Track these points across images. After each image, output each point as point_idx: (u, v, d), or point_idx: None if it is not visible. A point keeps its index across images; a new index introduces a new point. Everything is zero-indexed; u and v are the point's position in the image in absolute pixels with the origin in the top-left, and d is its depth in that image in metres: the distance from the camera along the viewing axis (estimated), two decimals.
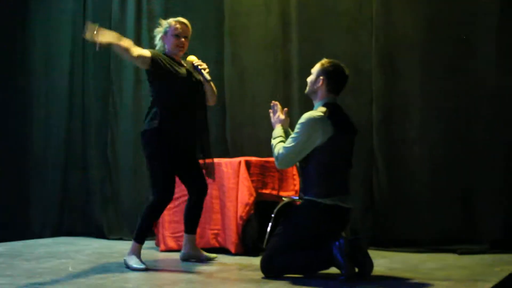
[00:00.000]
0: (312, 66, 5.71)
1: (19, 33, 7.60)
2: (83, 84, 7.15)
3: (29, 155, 7.32)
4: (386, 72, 5.42)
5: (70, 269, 4.36)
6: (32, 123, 7.38)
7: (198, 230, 5.06)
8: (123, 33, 6.77)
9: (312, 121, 3.85)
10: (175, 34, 4.47)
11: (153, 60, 4.34)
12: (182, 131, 4.41)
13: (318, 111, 3.91)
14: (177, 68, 4.44)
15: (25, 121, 7.39)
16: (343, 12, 5.68)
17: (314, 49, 5.75)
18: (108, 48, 6.88)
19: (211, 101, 4.69)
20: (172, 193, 4.37)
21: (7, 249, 5.61)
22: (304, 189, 3.96)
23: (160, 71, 4.36)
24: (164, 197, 4.32)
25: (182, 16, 6.23)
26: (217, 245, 5.04)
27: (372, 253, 4.87)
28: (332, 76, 3.98)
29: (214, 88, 4.67)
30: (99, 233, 6.66)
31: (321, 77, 3.99)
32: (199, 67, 4.54)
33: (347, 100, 5.51)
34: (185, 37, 4.51)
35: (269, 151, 5.74)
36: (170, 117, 4.34)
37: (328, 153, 3.82)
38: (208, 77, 4.55)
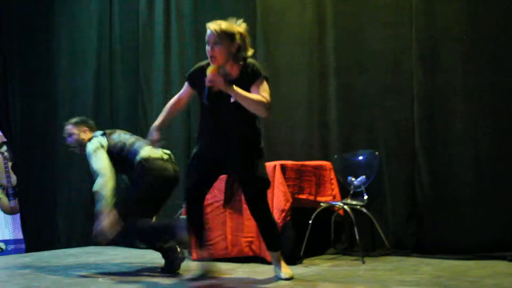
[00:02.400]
0: (350, 63, 5.77)
1: (45, 33, 7.83)
2: (111, 85, 7.29)
3: (55, 161, 7.47)
4: (427, 69, 5.37)
5: (100, 280, 4.43)
6: (56, 125, 7.54)
7: (230, 237, 5.11)
8: (150, 32, 6.94)
9: None
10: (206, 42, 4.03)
11: (189, 83, 4.21)
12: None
13: None
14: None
15: (50, 124, 7.56)
16: (381, 5, 5.65)
17: (352, 46, 5.77)
18: (136, 48, 7.08)
19: (256, 111, 3.99)
20: None
21: (34, 260, 5.74)
22: None
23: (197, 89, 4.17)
24: None
25: (212, 14, 6.35)
26: (251, 253, 5.05)
27: (417, 260, 4.91)
28: None
29: (249, 97, 3.92)
30: (129, 242, 6.75)
31: None
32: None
33: (387, 99, 5.53)
34: (213, 44, 3.91)
35: (305, 154, 5.80)
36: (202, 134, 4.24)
37: None
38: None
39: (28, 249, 7.21)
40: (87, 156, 4.83)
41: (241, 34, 3.99)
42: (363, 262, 4.88)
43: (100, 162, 4.73)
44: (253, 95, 3.88)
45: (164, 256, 4.61)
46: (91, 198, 7.12)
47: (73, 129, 5.13)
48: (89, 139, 4.95)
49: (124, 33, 7.23)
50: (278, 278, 4.18)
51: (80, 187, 7.24)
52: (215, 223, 5.13)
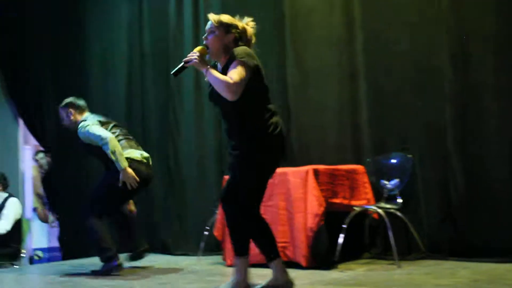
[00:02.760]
0: (380, 65, 5.76)
1: (77, 39, 7.98)
2: (142, 89, 7.37)
3: (90, 168, 7.57)
4: (458, 68, 5.33)
5: (137, 286, 4.50)
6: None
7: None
8: (180, 36, 7.01)
9: None
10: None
11: None
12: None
13: None
14: None
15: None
16: (410, 5, 5.64)
17: (381, 46, 5.75)
18: (166, 52, 7.13)
19: (221, 93, 3.70)
20: None
21: (72, 267, 5.85)
22: None
23: None
24: None
25: (240, 18, 6.38)
26: (285, 258, 5.04)
27: (453, 264, 4.89)
28: None
29: (214, 75, 3.69)
30: (164, 248, 6.84)
31: None
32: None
33: (418, 100, 5.51)
34: (209, 33, 3.86)
35: (337, 157, 5.81)
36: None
37: None
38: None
39: (65, 257, 7.32)
40: (82, 134, 5.39)
41: (242, 28, 3.91)
42: (399, 266, 4.87)
43: (100, 130, 5.32)
44: (220, 75, 3.67)
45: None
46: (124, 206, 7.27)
47: (66, 111, 5.64)
48: (83, 120, 5.50)
49: (154, 37, 7.29)
50: None
51: None
52: None
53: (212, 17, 3.87)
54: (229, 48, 3.80)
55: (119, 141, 5.35)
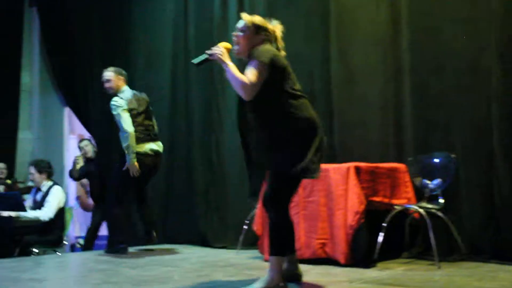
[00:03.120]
0: (426, 62, 5.70)
1: (123, 32, 8.09)
2: (186, 86, 7.44)
3: None
4: (507, 67, 5.22)
5: (175, 277, 4.56)
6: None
7: (303, 239, 5.15)
8: (225, 33, 7.04)
9: None
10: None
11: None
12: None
13: None
14: None
15: None
16: (459, 3, 5.54)
17: (428, 43, 5.69)
18: (210, 47, 7.11)
19: (238, 92, 3.91)
20: None
21: (112, 257, 5.93)
22: None
23: None
24: None
25: (285, 13, 6.42)
26: (324, 255, 5.07)
27: (494, 266, 4.83)
28: None
29: (232, 73, 3.86)
30: (204, 241, 6.91)
31: None
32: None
33: (464, 98, 5.44)
34: (240, 31, 4.03)
35: (379, 155, 5.78)
36: None
37: None
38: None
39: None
40: (112, 110, 6.11)
41: (272, 32, 4.05)
42: (439, 267, 4.83)
43: (126, 120, 6.03)
44: (238, 74, 3.83)
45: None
46: (166, 198, 7.38)
47: (111, 76, 6.33)
48: (120, 91, 6.27)
49: (199, 33, 7.36)
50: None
51: (157, 185, 7.43)
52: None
53: (245, 17, 4.04)
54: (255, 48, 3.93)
55: (136, 131, 6.04)
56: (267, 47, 3.93)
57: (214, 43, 6.94)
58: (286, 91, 3.91)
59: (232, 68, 3.85)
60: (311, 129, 3.94)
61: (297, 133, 3.89)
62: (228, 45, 4.01)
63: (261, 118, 3.96)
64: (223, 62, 3.89)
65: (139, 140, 6.09)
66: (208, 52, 3.95)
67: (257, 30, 3.99)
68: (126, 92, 6.27)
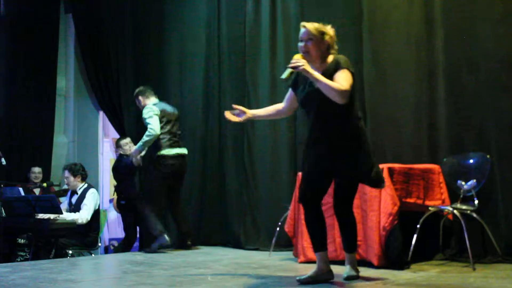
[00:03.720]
0: (460, 62, 5.64)
1: (157, 33, 8.17)
2: (219, 87, 7.47)
3: None
4: None
5: (209, 278, 4.58)
6: None
7: (338, 240, 5.13)
8: (257, 35, 7.08)
9: None
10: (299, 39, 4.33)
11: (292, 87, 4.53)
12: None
13: None
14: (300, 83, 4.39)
15: None
16: (494, 2, 5.50)
17: (462, 44, 5.66)
18: (243, 51, 7.22)
19: (332, 98, 4.09)
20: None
21: (146, 258, 5.99)
22: None
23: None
24: None
25: (318, 16, 6.36)
26: (358, 257, 5.03)
27: None
28: None
29: (326, 82, 4.06)
30: (236, 243, 6.93)
31: None
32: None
33: (499, 99, 5.38)
34: (307, 40, 4.22)
35: (412, 156, 5.73)
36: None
37: None
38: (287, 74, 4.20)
39: (141, 247, 7.52)
40: (144, 115, 6.72)
41: (330, 36, 4.27)
42: (474, 269, 4.78)
43: (155, 123, 6.63)
44: (331, 82, 4.07)
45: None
46: (199, 200, 7.43)
47: (137, 99, 7.00)
48: (152, 104, 6.81)
49: (231, 36, 7.40)
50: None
51: (191, 188, 7.49)
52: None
53: (307, 25, 4.24)
54: (323, 53, 4.23)
55: (163, 139, 6.66)
56: (347, 59, 4.23)
57: (246, 44, 7.12)
58: (355, 100, 4.28)
59: (320, 77, 4.06)
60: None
61: (365, 142, 4.26)
62: (302, 56, 4.19)
63: (340, 126, 4.20)
64: (310, 73, 4.07)
65: (168, 145, 6.69)
66: (291, 65, 4.12)
67: (322, 35, 4.22)
68: (158, 104, 6.84)
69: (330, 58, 4.24)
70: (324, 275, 4.26)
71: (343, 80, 4.09)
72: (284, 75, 4.18)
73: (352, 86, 4.11)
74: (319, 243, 4.33)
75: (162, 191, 6.69)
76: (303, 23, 4.29)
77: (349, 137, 4.19)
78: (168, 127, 6.76)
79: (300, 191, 4.39)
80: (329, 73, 4.14)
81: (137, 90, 7.05)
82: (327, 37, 4.23)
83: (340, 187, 4.38)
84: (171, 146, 6.71)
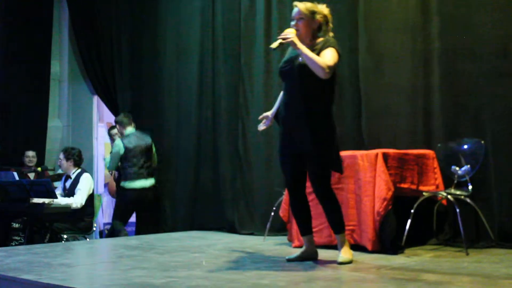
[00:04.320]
0: (456, 49, 5.64)
1: (151, 19, 8.16)
2: (213, 73, 7.46)
3: (162, 147, 7.77)
4: None
5: (203, 263, 4.59)
6: (163, 114, 7.86)
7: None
8: (252, 22, 7.05)
9: None
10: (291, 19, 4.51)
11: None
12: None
13: None
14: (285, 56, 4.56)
15: (158, 112, 7.91)
16: None
17: (458, 31, 5.64)
18: (238, 36, 7.21)
19: (316, 71, 4.21)
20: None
21: (141, 242, 6.01)
22: None
23: None
24: None
25: (313, 1, 6.37)
26: (352, 241, 5.06)
27: None
28: None
29: (311, 55, 4.18)
30: (231, 228, 6.95)
31: None
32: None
33: (494, 85, 5.39)
34: (298, 19, 4.39)
35: (407, 142, 5.75)
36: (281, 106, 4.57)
37: None
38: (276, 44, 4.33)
39: (137, 232, 7.56)
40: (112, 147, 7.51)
41: (323, 15, 4.41)
42: (467, 254, 4.81)
43: (113, 159, 7.39)
44: (316, 57, 4.20)
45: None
46: (193, 186, 7.45)
47: (118, 126, 7.55)
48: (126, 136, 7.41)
49: (226, 21, 7.37)
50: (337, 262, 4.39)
51: (186, 173, 7.51)
52: (319, 211, 5.19)
53: (299, 4, 4.40)
54: (314, 32, 4.39)
55: (128, 170, 7.29)
56: (335, 41, 4.38)
57: (241, 32, 7.10)
58: (335, 84, 4.41)
59: (306, 50, 4.19)
60: None
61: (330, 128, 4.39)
62: (295, 31, 4.33)
63: (312, 103, 4.32)
64: (297, 45, 4.18)
65: (131, 178, 7.27)
66: (282, 36, 4.26)
67: (312, 15, 4.38)
68: (131, 136, 7.38)
69: (321, 39, 4.39)
70: (311, 255, 4.55)
71: (329, 56, 4.23)
72: (274, 44, 4.31)
73: (336, 65, 4.28)
74: (304, 227, 4.61)
75: (127, 213, 7.45)
76: (295, 3, 4.44)
77: (316, 118, 4.30)
78: (134, 160, 7.26)
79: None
80: (317, 51, 4.28)
81: (116, 119, 7.64)
82: (318, 16, 4.38)
83: (309, 171, 4.43)
84: (134, 178, 7.26)
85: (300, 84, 4.32)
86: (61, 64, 9.63)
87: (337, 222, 4.49)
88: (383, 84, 6.07)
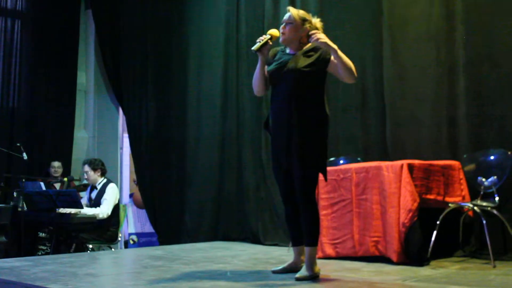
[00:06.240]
0: (481, 58, 5.58)
1: (176, 34, 8.22)
2: (237, 84, 7.46)
3: (184, 159, 7.79)
4: None
5: (228, 274, 4.58)
6: (186, 125, 7.88)
7: (357, 237, 5.13)
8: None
9: None
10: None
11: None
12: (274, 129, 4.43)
13: None
14: (275, 60, 4.43)
15: (181, 124, 7.93)
16: None
17: (483, 40, 5.59)
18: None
19: (347, 75, 4.22)
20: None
21: (165, 253, 6.00)
22: None
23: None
24: None
25: (337, 12, 6.40)
26: (377, 253, 5.04)
27: None
28: None
29: (346, 60, 4.16)
30: (255, 239, 6.93)
31: None
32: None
33: None
34: (286, 23, 4.33)
35: (432, 152, 5.69)
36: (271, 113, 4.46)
37: None
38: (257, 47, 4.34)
39: (161, 243, 7.59)
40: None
41: (315, 25, 4.36)
42: (494, 266, 4.73)
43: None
44: (349, 60, 4.18)
45: None
46: (217, 196, 7.45)
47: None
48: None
49: (250, 32, 7.37)
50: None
51: (208, 185, 7.52)
52: (342, 222, 5.17)
53: (292, 10, 4.39)
54: (301, 39, 4.33)
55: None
56: None
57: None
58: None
59: (341, 52, 4.14)
60: None
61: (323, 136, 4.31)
62: (276, 33, 4.35)
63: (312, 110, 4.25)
64: (329, 45, 4.13)
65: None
66: (263, 38, 4.32)
67: (303, 22, 4.33)
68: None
69: (309, 44, 4.31)
70: (295, 268, 4.39)
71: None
72: (255, 47, 4.34)
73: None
74: (295, 238, 4.46)
75: None
76: (289, 7, 4.45)
77: (314, 126, 4.23)
78: None
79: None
80: (306, 53, 4.27)
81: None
82: (307, 24, 4.34)
83: (295, 173, 4.25)
84: None
85: (295, 88, 4.22)
86: (87, 75, 9.73)
87: (313, 234, 4.25)
88: (408, 93, 6.02)
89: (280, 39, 4.36)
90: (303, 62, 4.24)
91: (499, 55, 5.48)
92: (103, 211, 6.96)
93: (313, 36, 4.16)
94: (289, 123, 4.21)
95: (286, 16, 4.37)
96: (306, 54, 4.28)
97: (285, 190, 4.38)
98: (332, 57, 4.21)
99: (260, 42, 4.33)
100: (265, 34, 4.35)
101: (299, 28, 4.32)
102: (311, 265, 4.20)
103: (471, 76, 5.63)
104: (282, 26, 4.36)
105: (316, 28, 4.34)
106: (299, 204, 4.26)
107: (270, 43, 4.32)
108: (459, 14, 5.72)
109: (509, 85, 5.41)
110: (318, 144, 4.23)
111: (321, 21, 4.42)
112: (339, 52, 4.14)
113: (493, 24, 5.54)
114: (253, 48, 4.36)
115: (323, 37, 4.14)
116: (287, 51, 4.40)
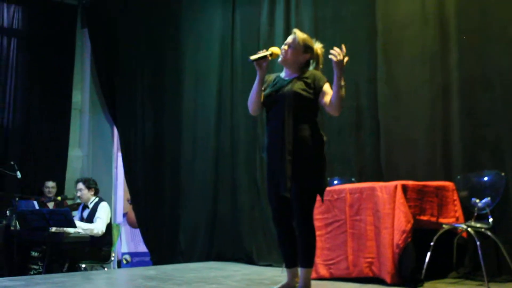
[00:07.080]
0: (475, 80, 5.61)
1: (171, 52, 8.24)
2: (232, 102, 7.47)
3: (179, 179, 7.77)
4: None
5: None
6: (180, 144, 7.88)
7: (351, 258, 5.10)
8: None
9: None
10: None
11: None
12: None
13: None
14: (271, 84, 4.39)
15: (176, 143, 7.93)
16: (508, 20, 5.48)
17: (477, 62, 5.61)
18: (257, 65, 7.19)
19: (337, 105, 4.11)
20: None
21: (158, 273, 5.97)
22: None
23: None
24: None
25: (332, 31, 6.42)
26: (371, 274, 5.02)
27: None
28: None
29: (342, 91, 4.06)
30: (248, 259, 6.90)
31: None
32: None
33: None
34: (289, 46, 4.28)
35: (426, 174, 5.69)
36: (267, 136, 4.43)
37: None
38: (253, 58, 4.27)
39: (154, 262, 7.55)
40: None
41: (316, 53, 4.34)
42: None
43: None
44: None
45: None
46: (211, 216, 7.43)
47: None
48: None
49: (245, 51, 7.39)
50: None
51: (202, 205, 7.50)
52: (336, 243, 5.15)
53: (298, 33, 4.31)
54: (301, 64, 4.28)
55: None
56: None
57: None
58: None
59: (343, 81, 4.04)
60: None
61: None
62: (277, 51, 4.26)
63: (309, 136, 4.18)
64: (342, 70, 4.01)
65: None
66: (267, 52, 4.24)
67: (305, 49, 4.27)
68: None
69: (309, 72, 4.27)
70: None
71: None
72: (254, 56, 4.25)
73: None
74: (289, 260, 4.34)
75: None
76: (295, 30, 4.37)
77: (311, 147, 4.15)
78: None
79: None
80: (303, 78, 4.20)
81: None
82: (310, 52, 4.30)
83: (293, 195, 4.16)
84: None
85: (290, 109, 4.14)
86: (83, 94, 9.73)
87: (309, 256, 4.20)
88: (402, 114, 6.03)
89: (279, 59, 4.30)
90: (300, 85, 4.18)
91: (493, 77, 5.50)
92: (98, 227, 6.92)
93: (334, 53, 3.98)
94: (284, 145, 4.13)
95: (290, 38, 4.30)
96: (303, 79, 4.21)
97: (279, 212, 4.28)
98: (324, 87, 4.14)
99: (259, 54, 4.25)
100: (265, 50, 4.26)
101: (300, 54, 4.26)
102: (306, 286, 4.15)
103: (465, 98, 5.65)
104: (284, 46, 4.29)
105: (318, 56, 4.33)
106: (296, 225, 4.18)
107: (270, 58, 4.25)
108: (453, 36, 5.75)
109: (502, 106, 5.43)
110: (316, 165, 4.16)
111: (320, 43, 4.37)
112: (343, 81, 4.03)
113: (487, 46, 5.56)
114: (251, 57, 4.27)
115: (341, 59, 3.97)
116: (283, 75, 4.33)
